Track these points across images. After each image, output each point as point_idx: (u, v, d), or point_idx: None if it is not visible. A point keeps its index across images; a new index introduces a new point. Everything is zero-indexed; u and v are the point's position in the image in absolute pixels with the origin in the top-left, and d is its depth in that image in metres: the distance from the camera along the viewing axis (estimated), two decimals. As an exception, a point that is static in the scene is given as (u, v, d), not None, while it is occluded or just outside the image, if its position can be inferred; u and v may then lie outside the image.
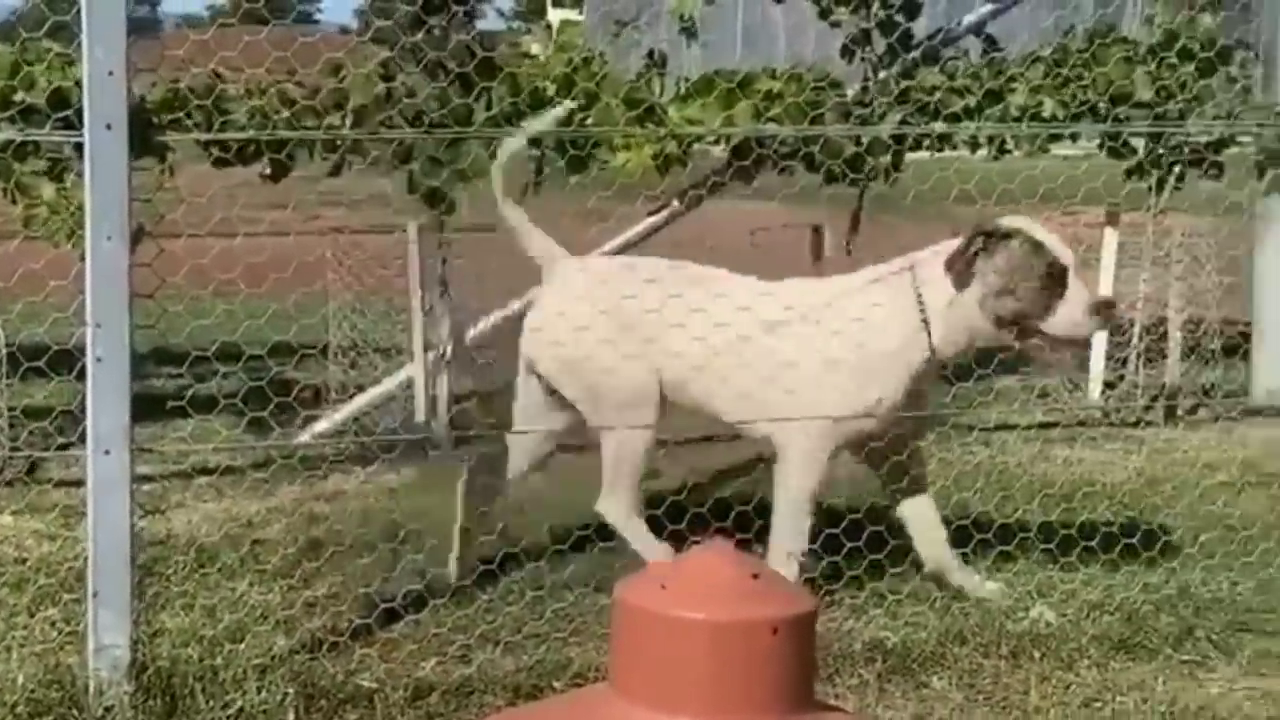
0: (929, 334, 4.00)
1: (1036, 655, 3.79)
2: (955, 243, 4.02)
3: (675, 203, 5.79)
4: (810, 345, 4.02)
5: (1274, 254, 6.55)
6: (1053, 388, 6.30)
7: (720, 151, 5.69)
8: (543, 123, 4.48)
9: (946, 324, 4.00)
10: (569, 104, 4.67)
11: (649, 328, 4.05)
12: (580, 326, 4.04)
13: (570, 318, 4.06)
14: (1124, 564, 4.29)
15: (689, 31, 5.70)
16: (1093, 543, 4.26)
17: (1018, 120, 5.92)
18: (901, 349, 4.01)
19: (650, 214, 5.77)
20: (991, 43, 6.21)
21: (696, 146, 5.67)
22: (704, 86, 5.69)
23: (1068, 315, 3.95)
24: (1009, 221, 4.05)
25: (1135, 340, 6.20)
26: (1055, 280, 3.95)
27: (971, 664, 3.76)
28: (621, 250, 5.63)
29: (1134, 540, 4.34)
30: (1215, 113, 6.10)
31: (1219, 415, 6.08)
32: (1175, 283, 6.20)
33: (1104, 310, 4.04)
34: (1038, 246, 3.97)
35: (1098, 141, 6.19)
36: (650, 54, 5.63)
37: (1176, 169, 6.18)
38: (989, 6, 6.27)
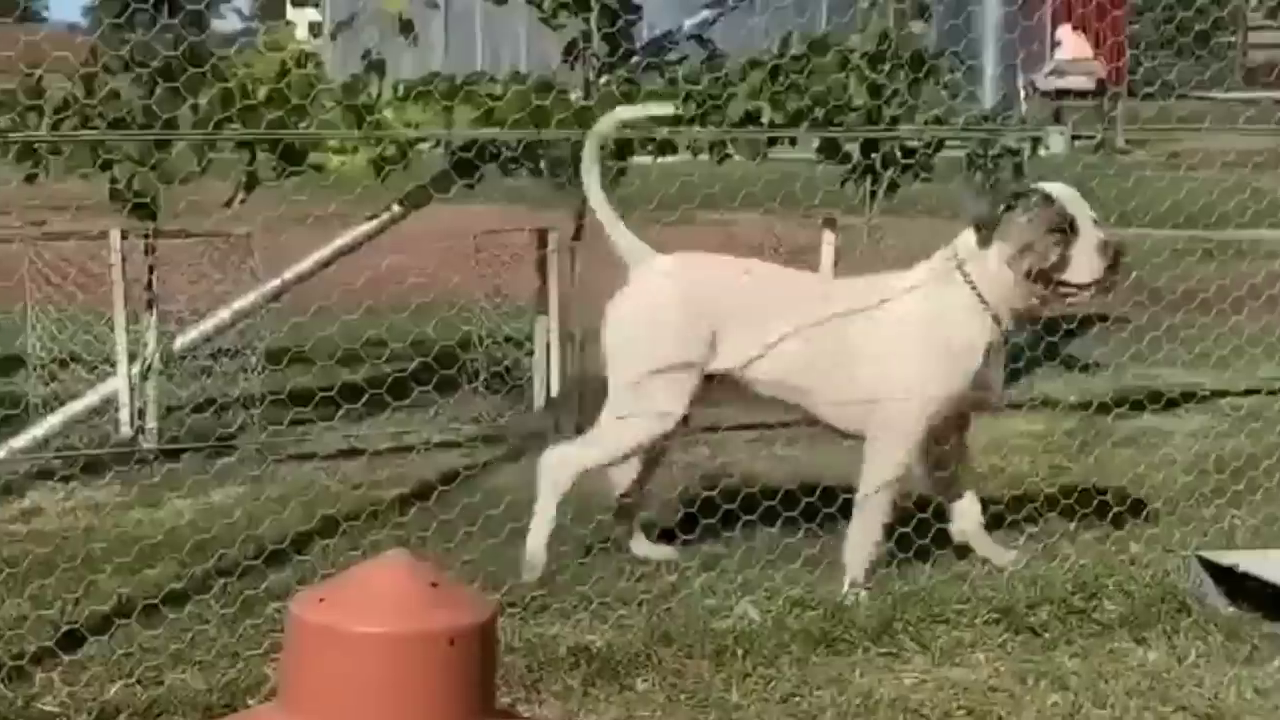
0: (988, 309, 4.25)
1: (740, 653, 3.85)
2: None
3: (395, 206, 5.73)
4: (893, 336, 4.25)
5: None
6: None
7: (441, 154, 5.66)
8: (634, 112, 4.73)
9: (993, 294, 4.24)
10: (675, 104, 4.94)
11: (734, 324, 4.27)
12: (662, 321, 4.26)
13: (653, 311, 4.28)
14: (827, 559, 4.38)
15: (408, 31, 5.65)
16: (795, 539, 4.36)
17: (738, 126, 6.02)
18: (970, 330, 4.26)
19: (369, 217, 5.71)
20: (713, 50, 6.30)
21: (421, 148, 5.64)
22: (425, 90, 5.66)
23: (1083, 260, 4.20)
24: (1033, 186, 4.35)
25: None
26: (1067, 229, 4.20)
27: (676, 664, 3.80)
28: (334, 256, 5.57)
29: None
30: (926, 118, 6.29)
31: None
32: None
33: (1110, 249, 4.23)
34: (1047, 200, 4.22)
35: (816, 146, 6.34)
36: (366, 55, 5.57)
37: (889, 173, 6.36)
38: (708, 12, 6.34)
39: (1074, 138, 16.68)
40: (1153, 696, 3.77)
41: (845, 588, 4.23)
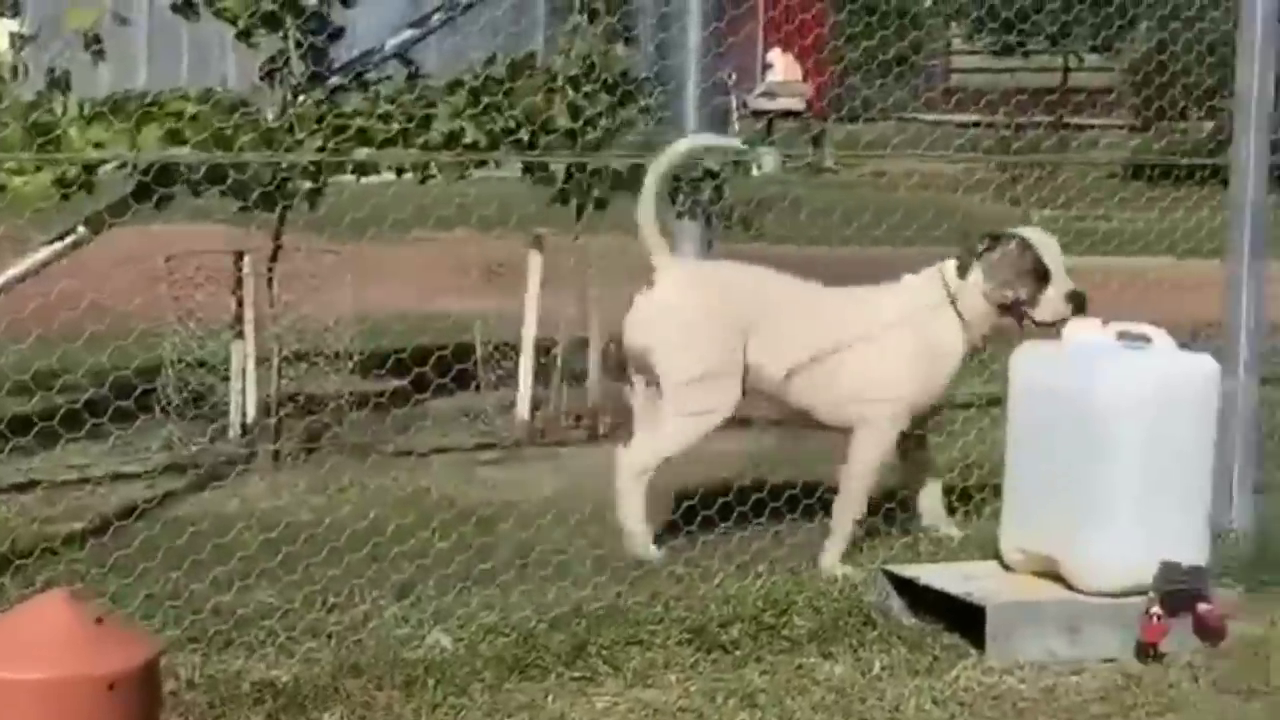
0: (963, 325, 4.87)
1: (431, 683, 3.81)
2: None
3: (81, 228, 5.53)
4: (884, 342, 4.83)
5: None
6: (483, 410, 6.39)
7: (125, 175, 5.48)
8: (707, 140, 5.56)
9: (969, 316, 4.87)
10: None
11: (746, 326, 4.78)
12: (684, 321, 4.75)
13: (673, 312, 4.77)
14: (522, 585, 4.37)
15: (96, 49, 5.46)
16: (487, 565, 4.35)
17: (443, 147, 5.99)
18: (951, 340, 4.87)
19: (49, 241, 5.50)
20: (414, 69, 6.26)
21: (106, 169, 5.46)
22: (112, 107, 5.49)
23: (1050, 303, 4.81)
24: (1010, 229, 4.98)
25: (559, 361, 6.36)
26: (1041, 274, 4.82)
27: (365, 696, 3.74)
28: (21, 278, 5.36)
29: (539, 560, 4.46)
30: (630, 141, 6.36)
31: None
32: (594, 304, 6.39)
33: (1076, 299, 4.80)
34: (1026, 246, 4.84)
35: (522, 166, 6.35)
36: (51, 72, 5.38)
37: (597, 194, 6.40)
38: (411, 31, 6.30)
39: (786, 158, 17.10)
40: (837, 710, 3.86)
41: (826, 565, 4.72)
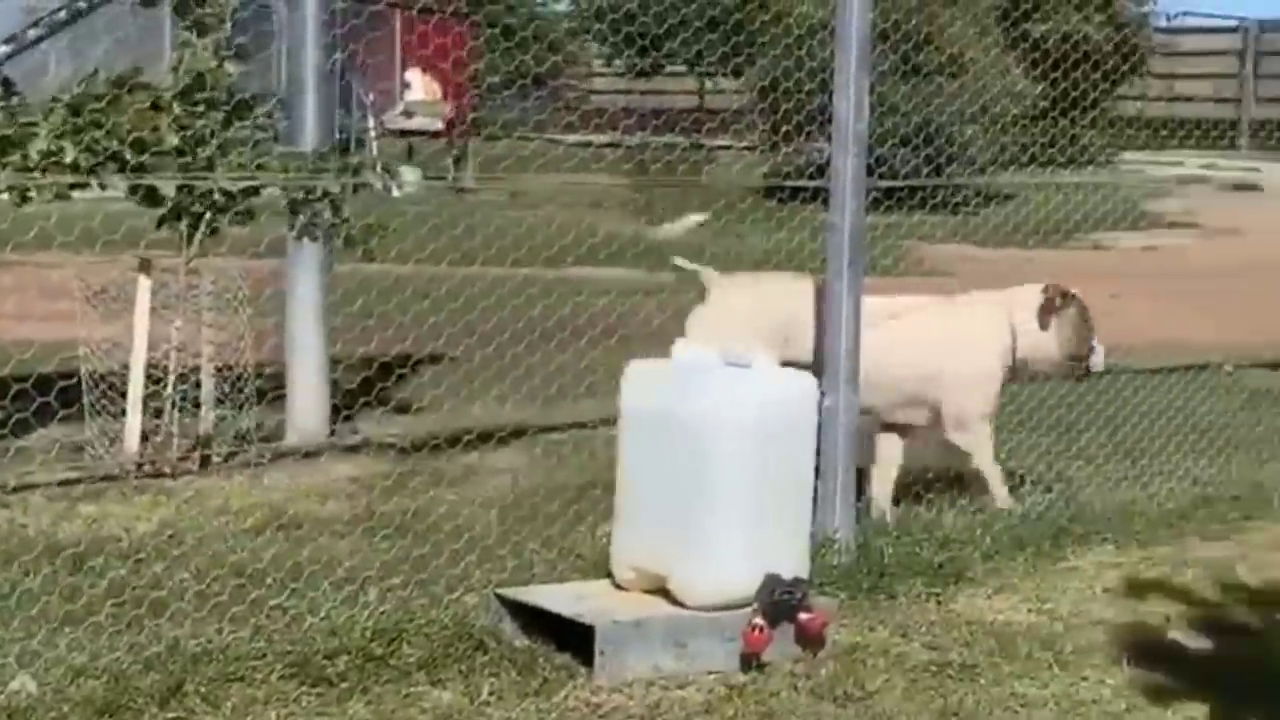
0: (1014, 354, 5.76)
1: (13, 730, 3.62)
2: (1034, 290, 5.79)
3: None
4: (942, 353, 5.67)
5: (305, 297, 6.73)
6: (88, 441, 6.12)
7: None
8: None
9: (1027, 350, 5.76)
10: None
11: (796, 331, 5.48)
12: (735, 328, 5.32)
13: (728, 320, 5.47)
14: (115, 625, 4.19)
15: None
16: (77, 606, 4.15)
17: (41, 168, 5.71)
18: (1000, 360, 5.73)
19: None
20: (8, 86, 5.96)
21: None
22: None
23: (1099, 356, 5.85)
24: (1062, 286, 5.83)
25: (170, 388, 6.14)
26: (1092, 331, 5.82)
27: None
28: None
29: (135, 597, 4.27)
30: (242, 160, 6.19)
31: (253, 461, 6.15)
32: (206, 329, 6.20)
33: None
34: (1084, 307, 5.80)
35: (129, 186, 6.10)
36: None
37: (208, 215, 6.21)
38: (3, 48, 6.00)
39: (427, 177, 16.98)
40: (443, 738, 3.82)
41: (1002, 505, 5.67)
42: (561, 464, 6.10)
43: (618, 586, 4.59)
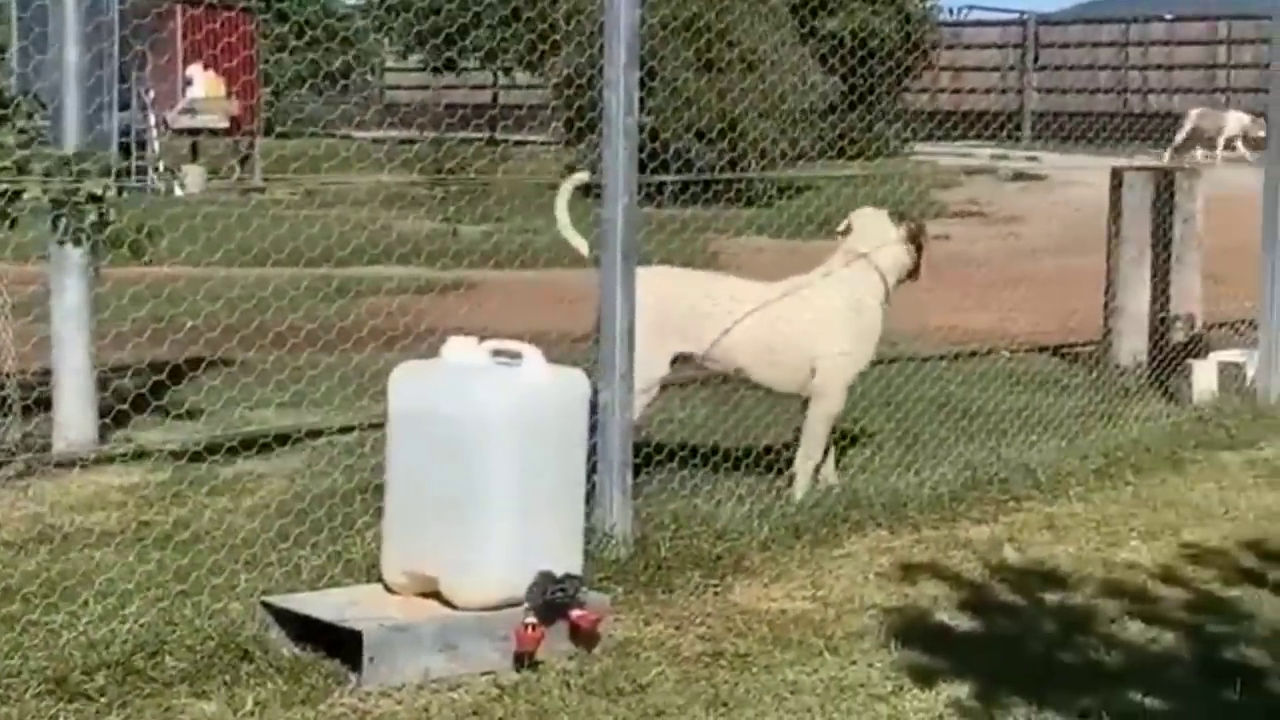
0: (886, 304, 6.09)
1: None
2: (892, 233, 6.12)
3: None
4: (825, 317, 5.96)
5: (70, 302, 6.51)
6: None
7: None
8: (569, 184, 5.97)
9: (893, 276, 6.09)
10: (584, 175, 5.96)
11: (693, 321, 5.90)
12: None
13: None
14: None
15: None
16: None
17: None
18: (877, 314, 6.04)
19: None
20: None
21: None
22: None
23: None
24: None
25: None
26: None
27: None
28: None
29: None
30: (4, 164, 5.98)
31: (18, 471, 5.96)
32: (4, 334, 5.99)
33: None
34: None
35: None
36: None
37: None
38: None
39: (212, 177, 16.71)
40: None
41: (797, 493, 5.87)
42: (333, 468, 6.01)
43: (390, 591, 4.54)
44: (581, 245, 5.81)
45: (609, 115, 5.34)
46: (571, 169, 16.92)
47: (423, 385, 4.58)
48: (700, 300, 5.95)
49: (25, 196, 6.13)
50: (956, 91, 27.01)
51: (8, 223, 6.11)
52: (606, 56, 5.33)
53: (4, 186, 5.97)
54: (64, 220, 6.34)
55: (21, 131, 6.16)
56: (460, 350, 4.70)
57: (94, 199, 6.35)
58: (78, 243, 6.45)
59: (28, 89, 6.36)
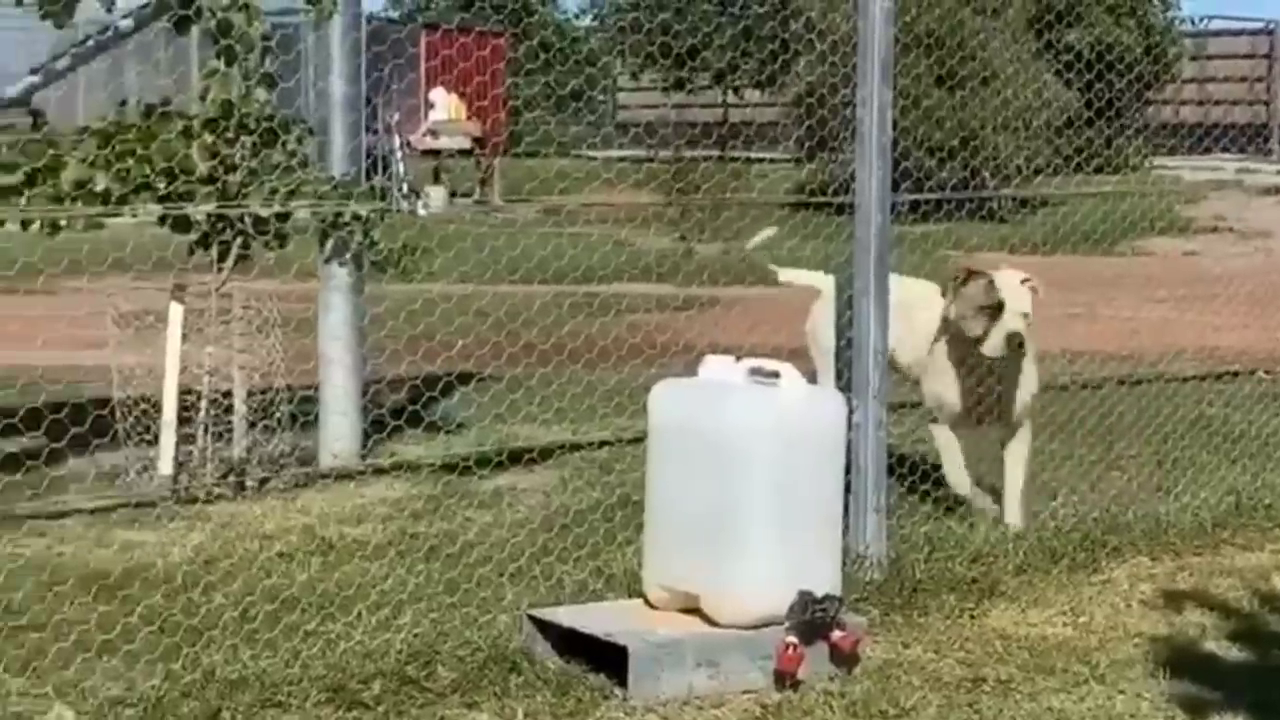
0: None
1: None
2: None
3: None
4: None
5: (337, 319, 6.76)
6: (122, 467, 6.16)
7: None
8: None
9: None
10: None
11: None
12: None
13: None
14: (151, 652, 4.21)
15: None
16: (113, 635, 4.18)
17: (72, 197, 5.76)
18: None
19: None
20: (38, 115, 6.03)
21: None
22: None
23: (993, 341, 5.52)
24: (985, 266, 5.72)
25: (202, 413, 6.18)
26: (995, 312, 5.49)
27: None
28: None
29: (171, 625, 4.30)
30: (275, 187, 6.23)
31: (287, 484, 6.18)
32: (238, 353, 6.24)
33: (1012, 340, 5.45)
34: (990, 285, 5.49)
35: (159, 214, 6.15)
36: None
37: (240, 240, 6.26)
38: (30, 79, 6.05)
39: (453, 194, 17.08)
40: (474, 762, 3.83)
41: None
42: (592, 483, 6.10)
43: (650, 606, 4.60)
44: (780, 272, 6.29)
45: (861, 133, 5.33)
46: (801, 188, 16.84)
47: (682, 402, 4.63)
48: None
49: (296, 217, 6.40)
50: (1201, 103, 26.28)
51: (279, 242, 6.37)
52: (859, 73, 5.32)
53: (274, 209, 6.22)
54: (332, 240, 6.61)
55: (291, 154, 6.40)
56: (718, 368, 4.74)
57: (360, 220, 6.60)
58: (343, 263, 6.73)
59: (294, 114, 6.61)
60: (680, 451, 4.55)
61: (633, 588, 4.71)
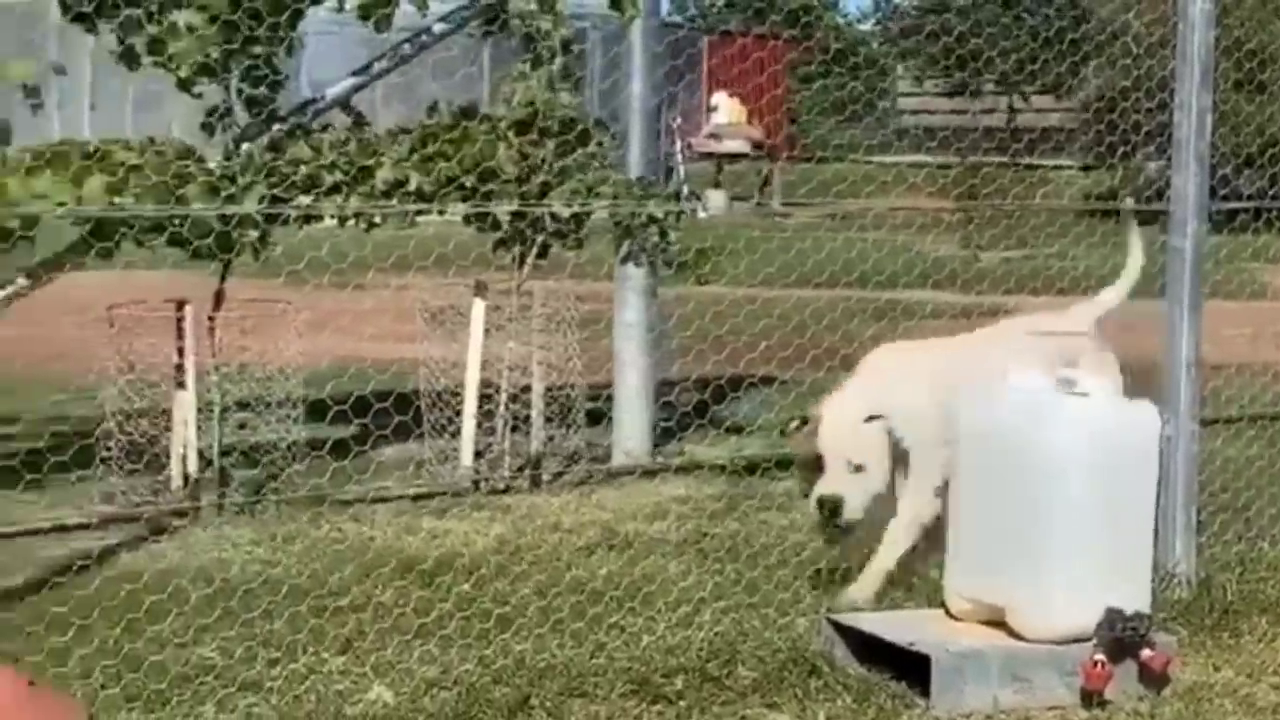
0: None
1: (373, 737, 3.78)
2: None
3: (21, 279, 5.48)
4: None
5: (631, 319, 6.86)
6: (426, 458, 6.35)
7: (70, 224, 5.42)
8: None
9: None
10: None
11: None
12: None
13: None
14: (464, 638, 4.33)
15: (35, 103, 5.41)
16: (429, 619, 4.31)
17: (385, 195, 5.97)
18: None
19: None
20: (358, 117, 6.25)
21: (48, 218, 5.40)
22: (53, 157, 5.44)
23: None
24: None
25: (502, 408, 6.33)
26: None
27: (306, 753, 3.71)
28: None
29: (481, 612, 4.42)
30: (575, 188, 6.35)
31: (582, 479, 6.30)
32: (537, 350, 6.37)
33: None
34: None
35: (464, 215, 6.33)
36: (-9, 124, 5.32)
37: (540, 241, 6.40)
38: (352, 80, 6.28)
39: (734, 199, 17.16)
40: (782, 761, 3.84)
41: None
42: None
43: (951, 616, 4.55)
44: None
45: (1179, 139, 5.18)
46: (1088, 196, 16.36)
47: (990, 411, 4.56)
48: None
49: (594, 218, 6.52)
50: None
51: (578, 243, 6.49)
52: (1177, 77, 5.18)
53: (576, 209, 6.34)
54: (629, 242, 6.70)
55: (591, 156, 6.51)
56: (1026, 376, 4.66)
57: (655, 221, 6.68)
58: (639, 264, 6.81)
59: (605, 114, 6.73)
60: (988, 461, 4.49)
61: (934, 597, 4.66)
